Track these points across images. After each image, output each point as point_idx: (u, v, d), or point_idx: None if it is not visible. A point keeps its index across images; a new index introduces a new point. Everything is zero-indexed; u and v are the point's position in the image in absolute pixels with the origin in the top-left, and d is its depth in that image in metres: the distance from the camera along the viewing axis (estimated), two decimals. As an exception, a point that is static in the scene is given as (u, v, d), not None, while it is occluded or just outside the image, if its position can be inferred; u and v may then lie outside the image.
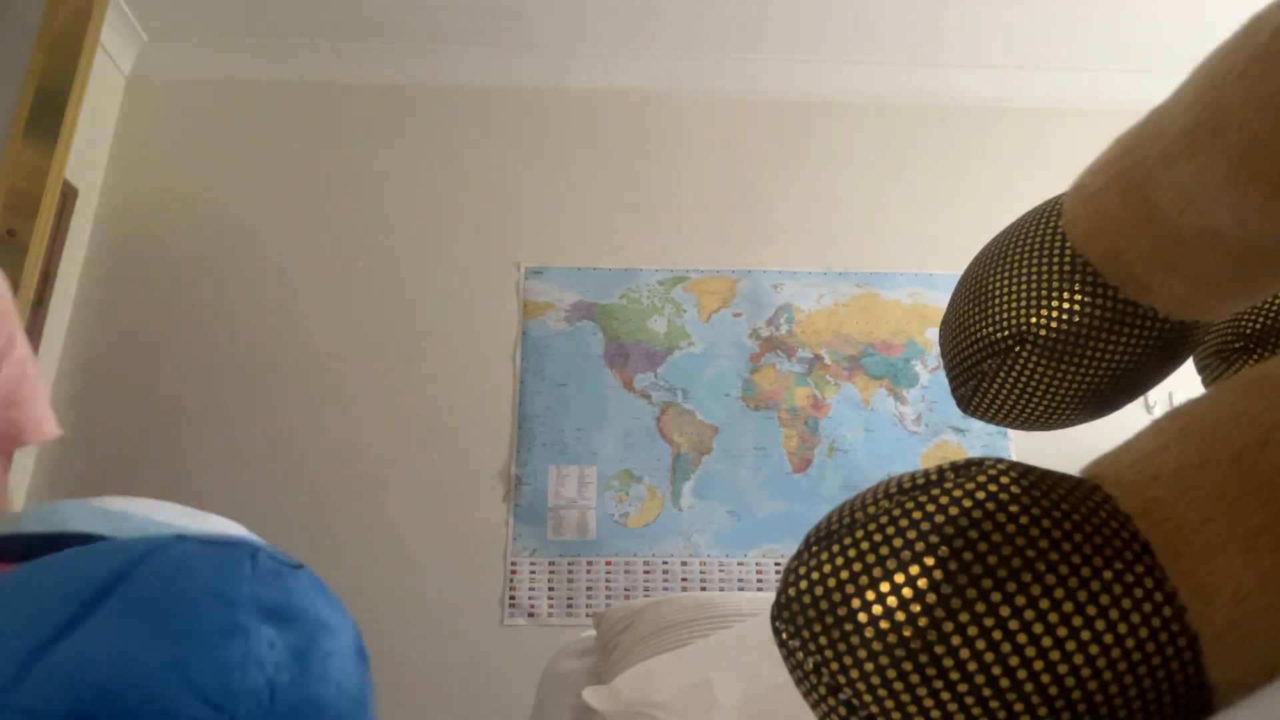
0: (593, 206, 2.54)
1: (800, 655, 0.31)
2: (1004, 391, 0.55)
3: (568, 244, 2.50)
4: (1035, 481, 0.31)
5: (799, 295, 2.51)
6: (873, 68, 2.69)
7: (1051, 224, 0.53)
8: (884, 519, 0.31)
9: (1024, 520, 0.30)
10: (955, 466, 0.33)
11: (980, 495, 0.30)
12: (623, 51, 2.63)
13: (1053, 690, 0.27)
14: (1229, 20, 0.40)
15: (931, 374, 2.45)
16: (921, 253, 2.54)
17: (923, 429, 2.41)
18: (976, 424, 2.44)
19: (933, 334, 2.51)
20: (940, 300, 2.50)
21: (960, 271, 0.61)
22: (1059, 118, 2.67)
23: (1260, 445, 0.30)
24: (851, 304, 2.52)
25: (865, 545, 0.31)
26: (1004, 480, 0.31)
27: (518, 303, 2.42)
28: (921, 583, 0.29)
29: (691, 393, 2.40)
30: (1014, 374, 0.54)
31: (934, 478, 0.32)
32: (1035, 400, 0.54)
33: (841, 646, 0.29)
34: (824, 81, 2.69)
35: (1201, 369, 0.64)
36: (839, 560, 0.31)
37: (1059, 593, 0.28)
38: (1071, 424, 0.58)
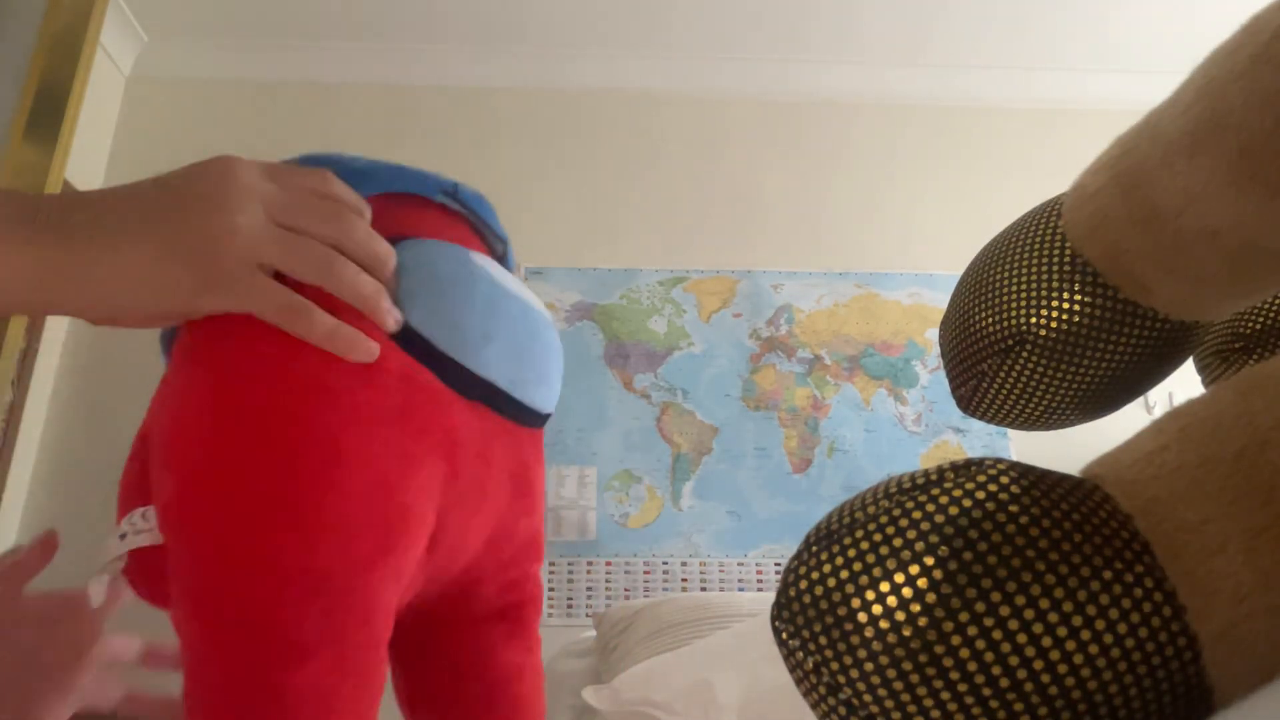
0: (593, 206, 2.54)
1: (800, 655, 0.31)
2: (1004, 391, 0.55)
3: (568, 244, 2.50)
4: (1035, 481, 0.31)
5: (799, 295, 2.51)
6: (873, 68, 2.69)
7: (1051, 224, 0.53)
8: (884, 519, 0.31)
9: (1024, 520, 0.30)
10: (955, 466, 0.33)
11: (980, 495, 0.30)
12: (623, 51, 2.63)
13: (1052, 690, 0.27)
14: (1229, 20, 0.40)
15: (931, 374, 2.46)
16: (921, 253, 2.54)
17: (923, 429, 2.42)
18: (976, 424, 2.44)
19: (933, 334, 2.51)
20: (940, 300, 2.50)
21: (960, 272, 0.61)
22: (1059, 118, 2.68)
23: (1260, 445, 0.30)
24: (851, 304, 2.52)
25: (865, 545, 0.31)
26: (1004, 480, 0.31)
27: (518, 303, 2.43)
28: (921, 583, 0.29)
29: (691, 393, 2.40)
30: (1014, 374, 0.54)
31: (934, 478, 0.32)
32: (1035, 400, 0.54)
33: (841, 646, 0.29)
34: (824, 81, 2.69)
35: (1201, 369, 0.64)
36: (839, 560, 0.31)
37: (1059, 592, 0.28)
38: (1071, 424, 0.58)
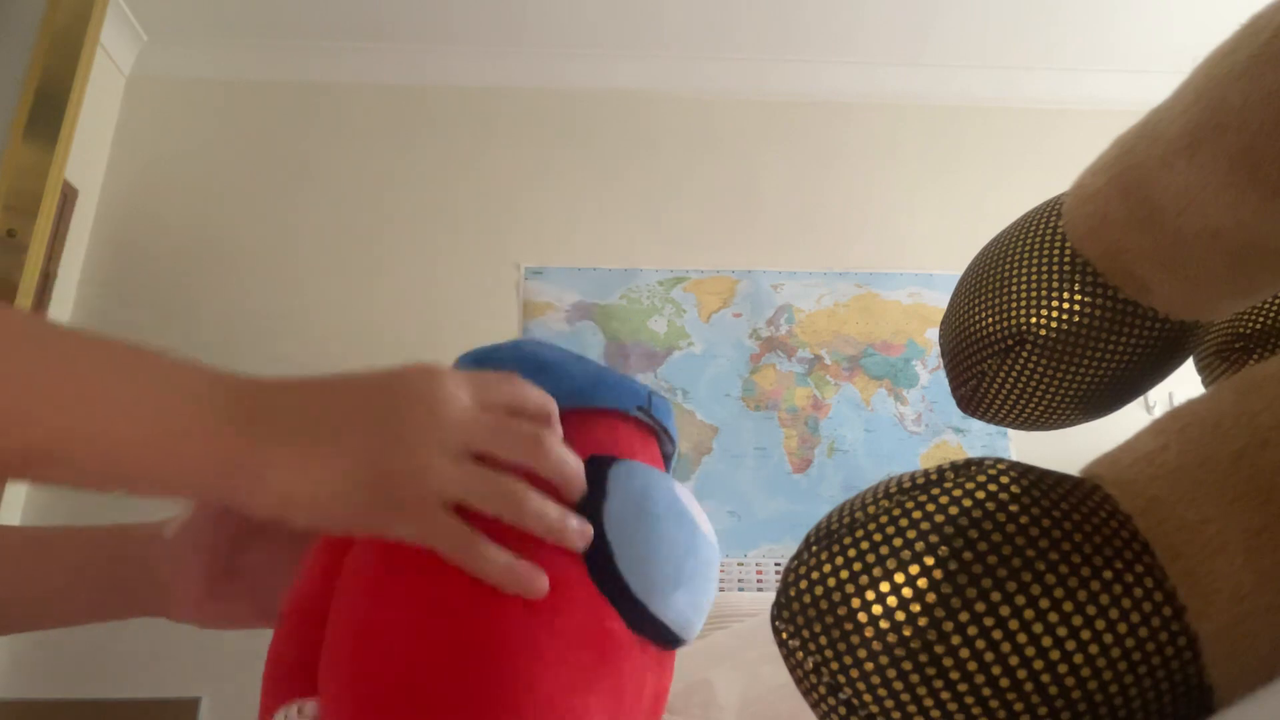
0: (593, 206, 2.54)
1: (800, 655, 0.31)
2: (1004, 391, 0.55)
3: (568, 244, 2.50)
4: (1035, 481, 0.31)
5: (799, 295, 2.51)
6: (873, 67, 2.69)
7: (1051, 224, 0.53)
8: (884, 519, 0.31)
9: (1024, 520, 0.30)
10: (955, 466, 0.33)
11: (980, 495, 0.30)
12: (623, 51, 2.63)
13: (1052, 690, 0.27)
14: (1229, 20, 0.40)
15: (931, 374, 2.46)
16: (921, 253, 2.54)
17: (923, 429, 2.42)
18: (976, 424, 2.44)
19: (933, 334, 2.51)
20: (940, 300, 2.50)
21: (960, 271, 0.61)
22: (1058, 118, 2.68)
23: (1260, 445, 0.30)
24: (851, 304, 2.52)
25: (865, 545, 0.31)
26: (1004, 480, 0.31)
27: (518, 303, 2.42)
28: (921, 583, 0.29)
29: (691, 393, 2.40)
30: (1014, 374, 0.54)
31: (934, 477, 0.32)
32: (1035, 400, 0.54)
33: (841, 646, 0.29)
34: (823, 81, 2.69)
35: (1201, 369, 0.64)
36: (839, 560, 0.31)
37: (1059, 592, 0.28)
38: (1071, 424, 0.58)
